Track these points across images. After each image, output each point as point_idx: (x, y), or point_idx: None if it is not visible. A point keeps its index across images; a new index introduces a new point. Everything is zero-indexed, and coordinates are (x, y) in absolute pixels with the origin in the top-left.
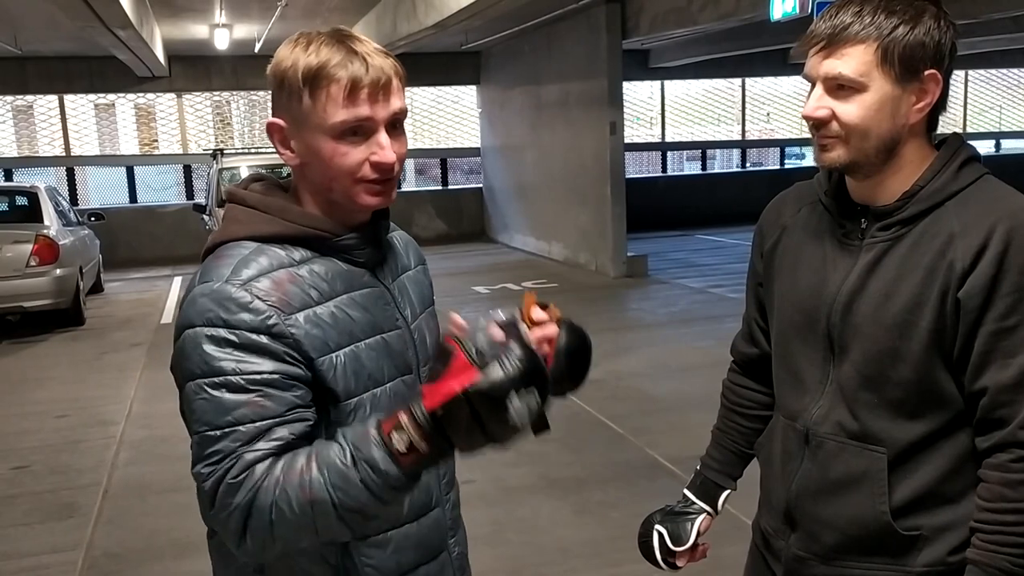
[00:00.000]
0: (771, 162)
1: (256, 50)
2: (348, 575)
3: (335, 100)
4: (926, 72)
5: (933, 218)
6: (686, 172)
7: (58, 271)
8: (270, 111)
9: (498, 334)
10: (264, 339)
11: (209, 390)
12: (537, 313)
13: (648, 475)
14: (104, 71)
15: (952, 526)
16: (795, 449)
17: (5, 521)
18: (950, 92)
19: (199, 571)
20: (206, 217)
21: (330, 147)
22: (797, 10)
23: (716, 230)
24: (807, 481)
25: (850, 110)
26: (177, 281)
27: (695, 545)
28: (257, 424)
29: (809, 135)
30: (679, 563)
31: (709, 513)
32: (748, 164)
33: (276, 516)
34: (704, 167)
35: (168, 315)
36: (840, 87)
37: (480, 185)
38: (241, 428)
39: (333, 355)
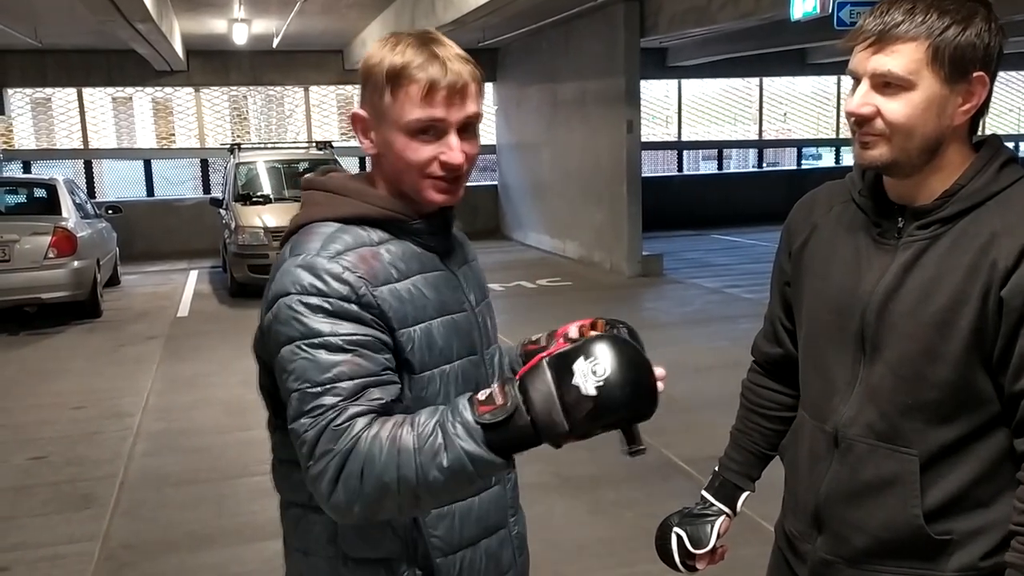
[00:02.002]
0: (788, 162)
1: (274, 45)
2: (416, 547)
3: (413, 99)
4: (975, 74)
5: (974, 217)
6: (702, 171)
7: (76, 263)
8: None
9: None
10: (354, 307)
11: (309, 350)
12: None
13: (662, 475)
14: (123, 65)
15: (985, 530)
16: (823, 451)
17: (23, 511)
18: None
19: (215, 563)
20: (223, 211)
21: (403, 142)
22: (818, 10)
23: (732, 230)
24: (836, 484)
25: (896, 108)
26: (193, 275)
27: (714, 548)
28: (355, 381)
29: (825, 135)
30: (699, 566)
31: (728, 515)
32: (764, 164)
33: (367, 466)
34: (720, 167)
35: (184, 308)
36: (887, 84)
37: (495, 182)
38: (341, 384)
39: (411, 329)
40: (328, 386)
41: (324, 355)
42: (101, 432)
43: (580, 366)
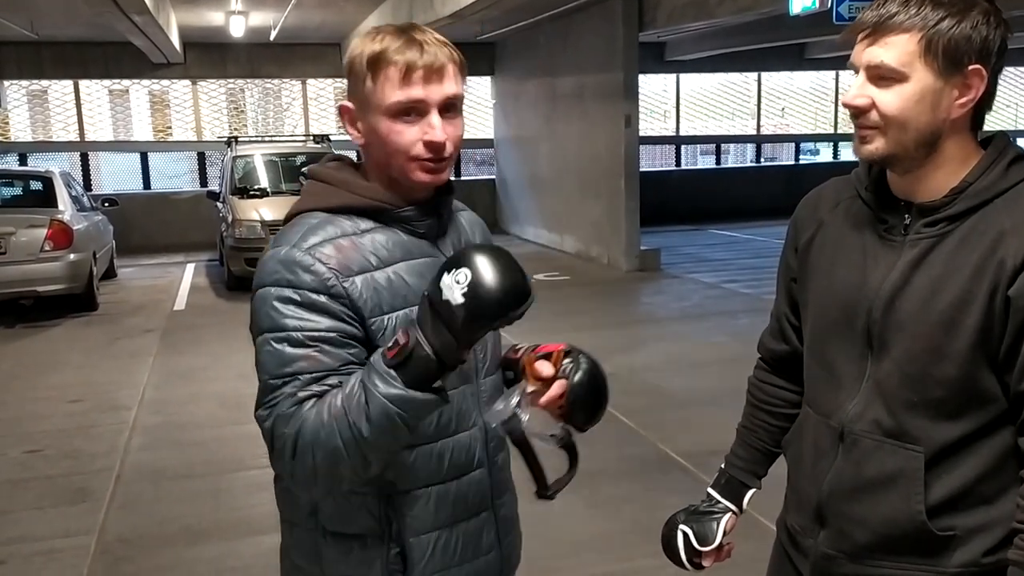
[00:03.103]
0: (785, 157)
1: (271, 38)
2: (390, 524)
3: (392, 82)
4: (970, 67)
5: (982, 215)
6: (700, 166)
7: (72, 256)
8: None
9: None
10: (323, 298)
11: (274, 343)
12: (541, 370)
13: (660, 470)
14: (119, 57)
15: (988, 526)
16: (828, 447)
17: (18, 504)
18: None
19: (211, 557)
20: (220, 204)
21: (386, 126)
22: (816, 4)
23: (729, 225)
24: (840, 479)
25: (889, 99)
26: (190, 268)
27: (721, 545)
28: (313, 375)
29: (823, 131)
30: (705, 563)
31: (734, 512)
32: (762, 159)
33: (314, 440)
34: (718, 161)
35: (181, 302)
36: (881, 76)
37: (493, 176)
38: (300, 378)
39: (385, 316)
40: (288, 379)
41: (288, 349)
42: (97, 426)
43: (445, 281)
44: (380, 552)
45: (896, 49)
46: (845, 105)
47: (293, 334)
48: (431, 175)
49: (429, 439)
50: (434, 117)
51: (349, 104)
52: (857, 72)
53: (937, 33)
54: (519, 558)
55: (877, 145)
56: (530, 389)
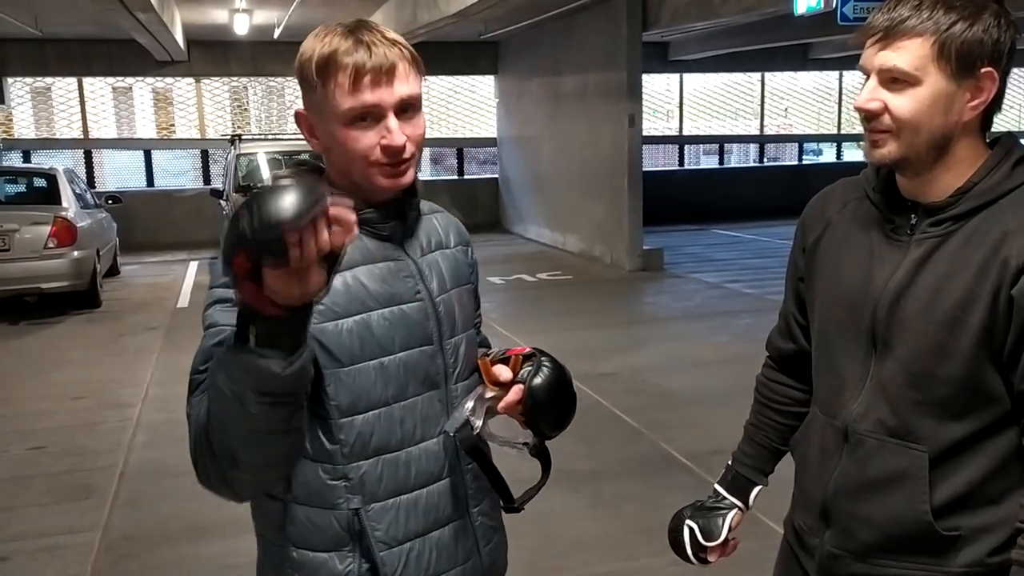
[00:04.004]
0: (788, 158)
1: (275, 36)
2: (360, 539)
3: (342, 88)
4: (982, 70)
5: (986, 215)
6: (703, 166)
7: (75, 253)
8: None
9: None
10: None
11: (205, 340)
12: (499, 373)
13: (662, 469)
14: (123, 54)
15: (993, 526)
16: (833, 446)
17: (22, 501)
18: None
19: (214, 555)
20: (223, 202)
21: (343, 133)
22: (821, 5)
23: (733, 225)
24: (845, 479)
25: (902, 103)
26: (193, 266)
27: (726, 540)
28: None
29: (827, 131)
30: (710, 558)
31: (740, 509)
32: (765, 159)
33: (198, 427)
34: (721, 161)
35: (184, 299)
36: (894, 80)
37: (496, 175)
38: None
39: (340, 321)
40: (206, 372)
41: (213, 345)
42: (101, 423)
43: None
44: (351, 567)
45: (909, 53)
46: (857, 109)
47: (225, 328)
48: (392, 180)
49: (393, 448)
50: (391, 120)
51: (305, 112)
52: (868, 76)
53: (950, 37)
54: (505, 564)
55: (889, 149)
56: (489, 395)
